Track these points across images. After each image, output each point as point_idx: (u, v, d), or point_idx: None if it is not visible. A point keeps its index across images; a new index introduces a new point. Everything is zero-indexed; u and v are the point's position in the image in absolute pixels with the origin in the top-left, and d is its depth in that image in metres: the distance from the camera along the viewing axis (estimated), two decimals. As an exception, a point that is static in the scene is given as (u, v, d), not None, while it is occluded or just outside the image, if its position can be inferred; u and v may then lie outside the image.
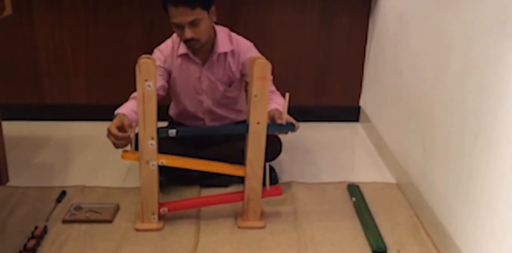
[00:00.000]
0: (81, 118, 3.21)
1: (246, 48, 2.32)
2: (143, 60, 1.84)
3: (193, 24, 2.11)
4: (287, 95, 1.94)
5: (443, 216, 1.95)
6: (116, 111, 2.06)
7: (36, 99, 3.19)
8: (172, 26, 2.17)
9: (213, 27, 2.27)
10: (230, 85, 2.36)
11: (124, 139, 1.93)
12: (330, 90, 3.27)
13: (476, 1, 1.76)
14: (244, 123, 2.05)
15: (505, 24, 1.55)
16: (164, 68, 2.29)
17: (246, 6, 3.04)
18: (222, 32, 2.30)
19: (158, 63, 2.24)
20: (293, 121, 2.01)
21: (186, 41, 2.18)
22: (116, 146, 1.95)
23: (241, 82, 2.39)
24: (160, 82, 2.25)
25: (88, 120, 3.19)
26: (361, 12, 3.09)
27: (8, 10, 2.25)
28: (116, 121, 1.96)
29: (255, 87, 1.90)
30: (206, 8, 2.13)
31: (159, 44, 2.31)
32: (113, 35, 3.08)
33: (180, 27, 2.13)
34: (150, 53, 2.25)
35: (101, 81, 3.18)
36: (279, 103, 2.18)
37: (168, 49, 2.31)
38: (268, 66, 1.88)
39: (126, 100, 2.19)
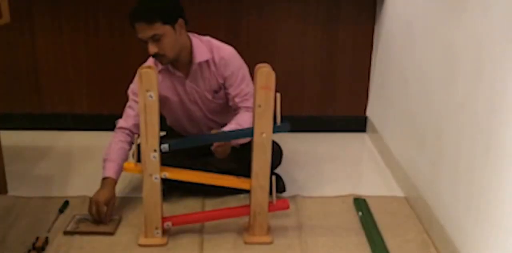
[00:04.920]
0: (82, 128, 3.18)
1: (228, 57, 2.24)
2: (144, 70, 1.80)
3: (155, 39, 2.05)
4: (278, 95, 1.86)
5: (454, 233, 1.89)
6: (105, 171, 2.18)
7: (37, 108, 3.16)
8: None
9: (189, 38, 2.20)
10: (217, 92, 2.30)
11: (105, 218, 2.10)
12: (336, 100, 3.24)
13: (484, 8, 1.72)
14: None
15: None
16: None
17: (247, 16, 3.01)
18: (198, 41, 2.23)
19: None
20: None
21: (153, 56, 2.13)
22: (96, 220, 2.10)
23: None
24: None
25: (89, 130, 3.16)
26: (366, 20, 3.06)
27: (6, 18, 2.20)
28: (105, 193, 2.12)
29: (259, 97, 1.85)
30: (169, 22, 2.06)
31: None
32: (114, 44, 3.06)
33: (144, 43, 2.08)
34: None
35: (102, 90, 3.15)
36: (242, 121, 2.16)
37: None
38: (272, 75, 1.84)
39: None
